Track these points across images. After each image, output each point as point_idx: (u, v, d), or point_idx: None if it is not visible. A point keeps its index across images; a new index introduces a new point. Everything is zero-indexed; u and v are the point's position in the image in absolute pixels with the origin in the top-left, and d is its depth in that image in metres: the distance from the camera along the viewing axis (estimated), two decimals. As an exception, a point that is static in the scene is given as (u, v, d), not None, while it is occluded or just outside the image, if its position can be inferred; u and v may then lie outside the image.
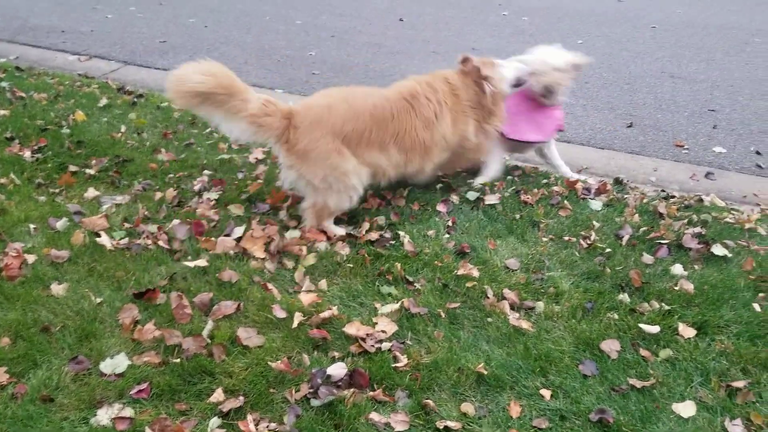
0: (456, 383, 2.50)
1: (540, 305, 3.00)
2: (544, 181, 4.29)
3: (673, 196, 4.24)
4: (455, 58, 3.99)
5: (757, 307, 3.03)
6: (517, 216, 3.76)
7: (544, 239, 3.56)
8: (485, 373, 2.53)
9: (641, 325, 2.84)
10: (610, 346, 2.74)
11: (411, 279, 3.10)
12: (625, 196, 4.12)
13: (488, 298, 2.99)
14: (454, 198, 3.93)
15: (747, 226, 3.78)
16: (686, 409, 2.44)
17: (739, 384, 2.54)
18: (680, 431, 2.35)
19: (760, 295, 3.13)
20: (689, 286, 3.15)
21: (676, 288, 3.14)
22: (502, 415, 2.36)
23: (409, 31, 8.89)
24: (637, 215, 3.84)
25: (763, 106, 6.32)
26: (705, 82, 6.94)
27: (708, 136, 5.54)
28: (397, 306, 2.87)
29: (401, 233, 3.51)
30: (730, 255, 3.43)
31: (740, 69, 7.42)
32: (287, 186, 3.60)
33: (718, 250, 3.43)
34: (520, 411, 2.38)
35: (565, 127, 5.57)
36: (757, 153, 5.27)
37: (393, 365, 2.55)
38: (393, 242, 3.43)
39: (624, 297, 3.06)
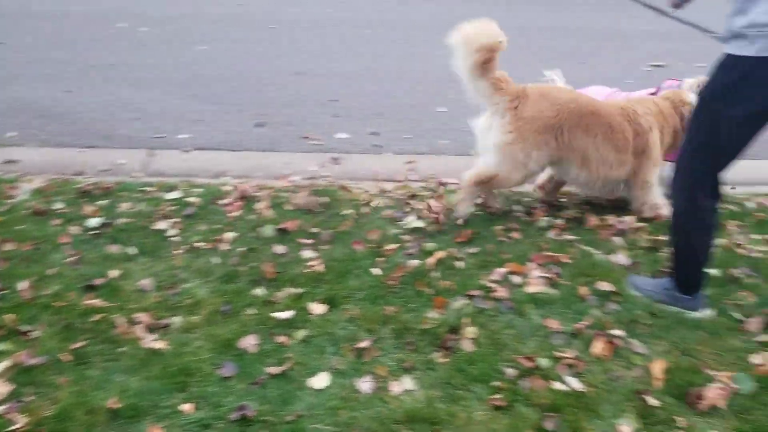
0: (89, 426, 2.32)
1: (176, 320, 2.94)
2: (171, 195, 4.21)
3: (301, 186, 4.50)
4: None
5: (376, 271, 3.37)
6: (147, 234, 3.65)
7: (178, 252, 3.50)
8: (119, 406, 2.39)
9: (275, 314, 2.96)
10: (249, 342, 2.80)
11: (26, 328, 2.80)
12: (257, 193, 4.25)
13: (117, 327, 2.84)
14: (75, 229, 3.66)
15: (368, 201, 4.21)
16: (320, 380, 2.60)
17: (365, 344, 2.80)
18: (317, 402, 2.50)
19: (378, 259, 3.49)
20: (321, 267, 3.38)
21: (308, 270, 3.35)
22: (141, 444, 2.27)
23: None
24: (269, 210, 4.00)
25: (376, 91, 7.08)
26: (326, 74, 7.52)
27: (331, 125, 6.01)
28: (9, 363, 2.56)
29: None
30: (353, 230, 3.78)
31: (354, 60, 8.20)
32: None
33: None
34: (160, 434, 2.31)
35: (198, 132, 5.59)
36: (374, 134, 5.88)
37: (9, 429, 2.27)
38: (3, 291, 3.07)
39: (259, 291, 3.16)
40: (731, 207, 4.24)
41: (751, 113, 2.61)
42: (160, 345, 2.75)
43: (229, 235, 3.68)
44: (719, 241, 3.74)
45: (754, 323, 2.95)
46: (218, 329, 2.89)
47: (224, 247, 3.57)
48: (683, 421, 2.42)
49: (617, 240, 3.80)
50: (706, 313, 3.05)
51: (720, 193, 2.88)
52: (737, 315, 3.06)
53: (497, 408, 2.48)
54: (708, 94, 2.73)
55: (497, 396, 2.53)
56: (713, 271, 3.40)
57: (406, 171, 5.08)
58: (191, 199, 4.12)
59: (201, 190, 4.29)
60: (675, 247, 3.03)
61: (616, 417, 2.44)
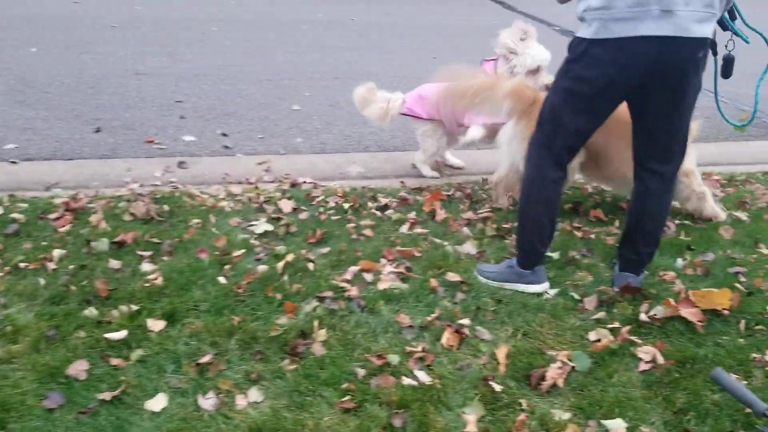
0: None
1: (-7, 349, 2.65)
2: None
3: (141, 194, 4.23)
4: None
5: (222, 279, 3.21)
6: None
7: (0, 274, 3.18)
8: None
9: (108, 335, 2.74)
10: (78, 368, 2.57)
11: None
12: (90, 205, 3.95)
13: None
14: None
15: (216, 204, 4.03)
16: (158, 402, 2.43)
17: (207, 358, 2.65)
18: (154, 426, 2.32)
19: (225, 267, 3.33)
20: (159, 280, 3.17)
21: (147, 285, 3.14)
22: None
23: None
24: (104, 222, 3.72)
25: (225, 90, 6.84)
26: (170, 75, 7.17)
27: (177, 127, 5.73)
28: None
29: None
30: (197, 238, 3.59)
31: (201, 58, 7.90)
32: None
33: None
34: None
35: (26, 142, 5.13)
36: (224, 135, 5.67)
37: None
38: None
39: (90, 311, 2.91)
40: (568, 192, 4.46)
41: (587, 92, 2.79)
42: (-28, 385, 2.46)
43: (58, 252, 3.38)
44: (560, 224, 3.92)
45: (590, 302, 3.10)
46: (43, 357, 2.63)
47: (52, 266, 3.27)
48: (526, 403, 2.48)
49: (466, 230, 3.88)
50: (545, 287, 3.20)
51: (565, 169, 3.03)
52: (575, 295, 3.19)
53: (346, 411, 2.42)
54: (557, 73, 2.93)
55: (346, 398, 2.47)
56: (555, 254, 3.55)
57: (259, 172, 4.94)
58: (14, 215, 3.75)
59: (26, 205, 3.92)
60: (519, 217, 3.18)
61: (462, 406, 2.46)
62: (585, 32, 2.73)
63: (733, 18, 2.92)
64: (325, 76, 7.66)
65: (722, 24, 2.90)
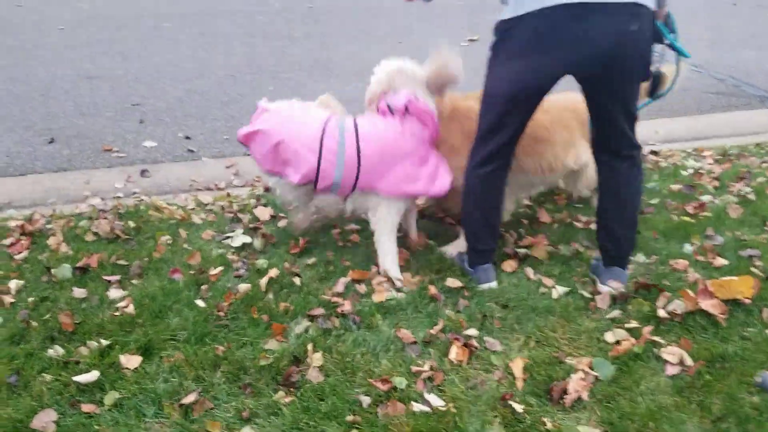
0: None
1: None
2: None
3: (103, 210, 3.88)
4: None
5: (200, 303, 2.92)
6: None
7: (-53, 315, 2.83)
8: None
9: (77, 378, 2.42)
10: (45, 419, 2.26)
11: None
12: (48, 226, 3.60)
13: None
14: None
15: (185, 216, 3.71)
16: (138, 456, 2.14)
17: (192, 397, 2.36)
18: (139, 486, 2.03)
19: (203, 288, 3.04)
20: (130, 308, 2.86)
21: (117, 314, 2.83)
22: None
23: None
24: (64, 244, 3.38)
25: (185, 89, 6.47)
26: (125, 76, 6.77)
27: (136, 132, 5.37)
28: None
29: None
30: (168, 256, 3.28)
31: (157, 56, 7.49)
32: None
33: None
34: None
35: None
36: (187, 138, 5.32)
37: None
38: None
39: (55, 350, 2.59)
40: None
41: (515, 75, 2.61)
42: None
43: (15, 283, 3.04)
44: (559, 216, 3.70)
45: (602, 300, 2.88)
46: (4, 408, 2.31)
47: (9, 299, 2.94)
48: (550, 422, 2.25)
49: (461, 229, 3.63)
50: (492, 285, 3.04)
51: (504, 162, 2.86)
52: (585, 293, 2.98)
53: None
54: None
55: (357, 435, 2.21)
56: (561, 248, 3.33)
57: (228, 176, 4.63)
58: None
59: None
60: (462, 214, 3.05)
61: (482, 431, 2.21)
62: (506, 14, 2.57)
63: (671, 31, 2.66)
64: (288, 68, 7.32)
65: (657, 36, 2.63)
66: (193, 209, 3.88)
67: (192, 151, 5.09)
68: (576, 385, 2.36)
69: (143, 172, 4.65)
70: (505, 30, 2.60)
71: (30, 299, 2.94)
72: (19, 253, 3.32)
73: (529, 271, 3.12)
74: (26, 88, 6.27)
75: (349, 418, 2.27)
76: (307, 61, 7.60)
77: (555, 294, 2.96)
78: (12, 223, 3.63)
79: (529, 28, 2.50)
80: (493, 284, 3.03)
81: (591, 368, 2.46)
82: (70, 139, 5.16)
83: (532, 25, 2.48)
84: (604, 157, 2.83)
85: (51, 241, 3.40)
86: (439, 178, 3.08)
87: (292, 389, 2.43)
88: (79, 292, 2.97)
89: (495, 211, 2.96)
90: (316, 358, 2.56)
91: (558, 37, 2.45)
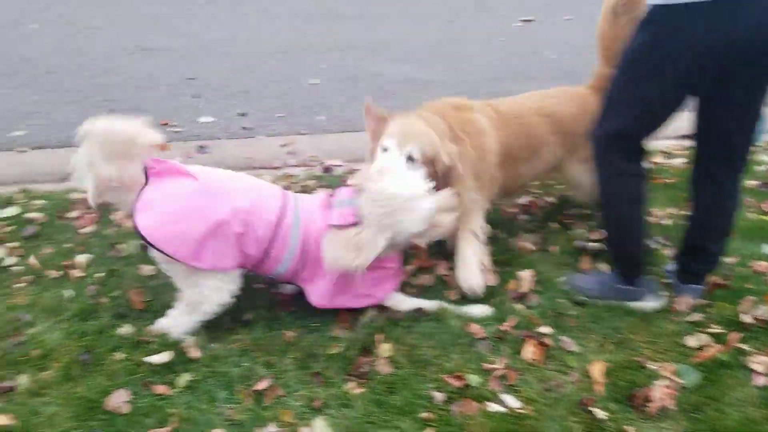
0: None
1: (23, 380, 2.33)
2: (5, 212, 3.48)
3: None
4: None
5: (262, 285, 2.88)
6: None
7: (19, 285, 2.85)
8: None
9: (148, 358, 2.41)
10: (119, 400, 2.25)
11: None
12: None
13: (-59, 401, 2.20)
14: None
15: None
16: (212, 438, 2.12)
17: (264, 384, 2.33)
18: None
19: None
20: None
21: (185, 293, 2.81)
22: None
23: None
24: (128, 220, 3.38)
25: (238, 65, 6.45)
26: (178, 51, 6.77)
27: (192, 108, 5.37)
28: None
29: None
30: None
31: (211, 33, 7.47)
32: None
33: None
34: None
35: (34, 128, 4.78)
36: (242, 115, 5.30)
37: None
38: None
39: (126, 328, 2.58)
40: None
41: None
42: (2, 420, 2.14)
43: (83, 257, 3.05)
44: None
45: (682, 302, 2.76)
46: (78, 387, 2.31)
47: (77, 273, 2.95)
48: (633, 430, 2.16)
49: (523, 218, 3.54)
50: (652, 304, 2.75)
51: (644, 158, 2.61)
52: (664, 293, 2.86)
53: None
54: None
55: (428, 431, 2.15)
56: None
57: (283, 155, 4.59)
58: (32, 215, 3.42)
59: (43, 202, 3.58)
60: (605, 225, 2.75)
61: (563, 437, 2.14)
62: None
63: None
64: (339, 47, 7.24)
65: None
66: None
67: (247, 128, 5.06)
68: (660, 393, 2.27)
69: (201, 149, 4.64)
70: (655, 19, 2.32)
71: (97, 275, 2.94)
72: (85, 227, 3.33)
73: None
74: (85, 61, 6.31)
75: (423, 414, 2.22)
76: (358, 41, 7.51)
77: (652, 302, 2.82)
78: (75, 195, 3.64)
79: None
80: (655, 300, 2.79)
81: (676, 375, 2.36)
82: (128, 113, 5.13)
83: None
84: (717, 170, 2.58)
85: (116, 216, 3.40)
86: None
87: (362, 380, 2.38)
88: (146, 269, 2.97)
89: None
90: (386, 349, 2.51)
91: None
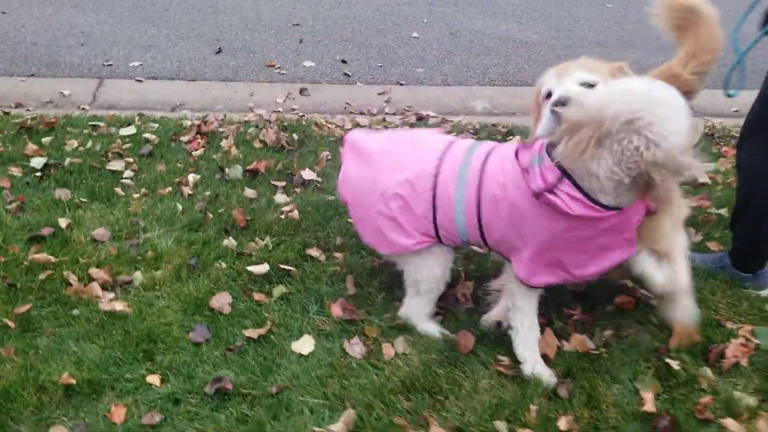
0: (39, 407, 2.00)
1: (138, 276, 2.60)
2: (124, 131, 3.78)
3: (269, 121, 4.09)
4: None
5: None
6: (99, 176, 3.26)
7: (135, 197, 3.12)
8: (74, 382, 2.07)
9: (249, 268, 2.63)
10: (221, 301, 2.48)
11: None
12: (220, 129, 3.85)
13: (71, 285, 2.48)
14: (16, 171, 3.23)
15: (341, 134, 3.85)
16: (305, 345, 2.31)
17: (351, 303, 2.51)
18: (303, 369, 2.21)
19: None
20: (295, 213, 3.04)
21: (283, 218, 3.01)
22: (102, 425, 1.95)
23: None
24: (234, 148, 3.61)
25: (341, 14, 6.58)
26: (285, -4, 6.97)
27: (297, 52, 5.56)
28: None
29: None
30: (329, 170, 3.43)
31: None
32: None
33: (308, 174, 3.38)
34: (125, 412, 1.99)
35: (150, 60, 5.10)
36: (343, 62, 5.45)
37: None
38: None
39: (230, 241, 2.82)
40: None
41: None
42: (120, 306, 2.41)
43: (193, 177, 3.30)
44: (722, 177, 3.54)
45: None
46: (186, 286, 2.55)
47: (188, 190, 3.20)
48: (705, 381, 2.21)
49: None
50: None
51: None
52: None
53: (502, 374, 2.22)
54: None
55: (502, 360, 2.27)
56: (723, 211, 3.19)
57: (380, 103, 4.72)
58: (148, 136, 3.70)
59: (156, 125, 3.86)
60: (739, 214, 2.69)
61: (634, 380, 2.21)
62: None
63: None
64: (443, 2, 7.26)
65: None
66: (350, 129, 4.00)
67: (347, 75, 5.21)
68: (735, 350, 2.29)
69: (302, 91, 4.83)
70: None
71: (206, 193, 3.18)
72: (195, 150, 3.58)
73: (691, 231, 3.00)
74: (196, 1, 6.60)
75: (499, 348, 2.33)
76: (462, -3, 7.51)
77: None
78: (187, 123, 3.90)
79: None
80: None
81: (752, 335, 2.38)
82: (237, 52, 5.42)
83: None
84: None
85: (224, 143, 3.64)
86: None
87: (443, 310, 2.51)
88: (249, 192, 3.19)
89: None
90: (468, 286, 2.62)
91: None
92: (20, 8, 6.05)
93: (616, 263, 2.15)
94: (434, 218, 2.25)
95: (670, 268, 2.27)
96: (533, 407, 2.06)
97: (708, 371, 2.24)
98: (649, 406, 2.07)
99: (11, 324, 2.29)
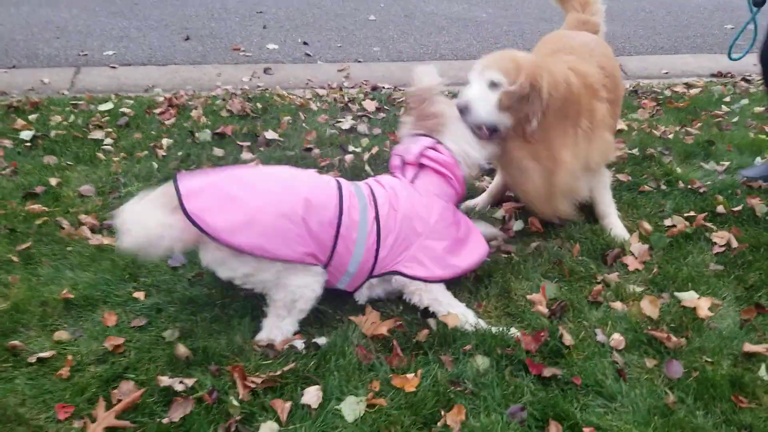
0: (43, 317, 2.39)
1: (122, 218, 2.99)
2: (103, 107, 4.16)
3: (235, 93, 4.49)
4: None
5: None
6: (82, 144, 3.64)
7: (116, 159, 3.52)
8: (72, 296, 2.47)
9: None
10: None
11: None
12: (190, 102, 4.24)
13: (63, 228, 2.88)
14: (7, 143, 3.61)
15: (304, 103, 4.28)
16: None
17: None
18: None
19: (319, 161, 3.57)
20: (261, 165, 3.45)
21: (248, 170, 3.42)
22: (98, 328, 2.35)
23: None
24: (203, 117, 4.01)
25: (303, 1, 6.99)
26: (250, -13, 7.36)
27: (260, 36, 5.95)
28: (-47, 264, 2.59)
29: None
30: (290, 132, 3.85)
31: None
32: None
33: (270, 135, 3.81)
34: (116, 319, 2.39)
35: (123, 49, 5.45)
36: (305, 44, 5.86)
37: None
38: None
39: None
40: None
41: None
42: (107, 241, 2.81)
43: (166, 141, 3.69)
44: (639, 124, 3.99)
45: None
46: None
47: (162, 152, 3.59)
48: (600, 277, 2.65)
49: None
50: None
51: None
52: (652, 185, 3.31)
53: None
54: None
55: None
56: (635, 150, 3.65)
57: (340, 78, 5.13)
58: (124, 110, 4.09)
59: (132, 101, 4.25)
60: None
61: (542, 279, 2.64)
62: None
63: None
64: (399, -13, 7.71)
65: None
66: (310, 98, 4.42)
67: (309, 55, 5.61)
68: (635, 251, 2.76)
69: (266, 70, 5.23)
70: None
71: (179, 153, 3.58)
72: (168, 119, 3.98)
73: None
74: (166, -6, 6.98)
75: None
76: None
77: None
78: (160, 98, 4.30)
79: None
80: None
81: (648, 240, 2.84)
82: (204, 38, 5.81)
83: None
84: None
85: (193, 113, 4.04)
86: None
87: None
88: (218, 151, 3.59)
89: None
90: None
91: None
92: (-3, 7, 6.39)
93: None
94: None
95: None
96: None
97: (604, 270, 2.70)
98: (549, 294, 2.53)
99: (15, 258, 2.68)
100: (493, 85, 2.54)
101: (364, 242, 2.32)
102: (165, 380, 2.08)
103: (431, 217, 2.42)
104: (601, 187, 2.97)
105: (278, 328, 2.30)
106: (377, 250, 2.35)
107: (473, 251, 2.49)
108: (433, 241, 2.41)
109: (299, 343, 2.27)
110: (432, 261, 2.39)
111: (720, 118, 4.17)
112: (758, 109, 4.25)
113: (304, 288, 2.27)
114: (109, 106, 4.13)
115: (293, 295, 2.26)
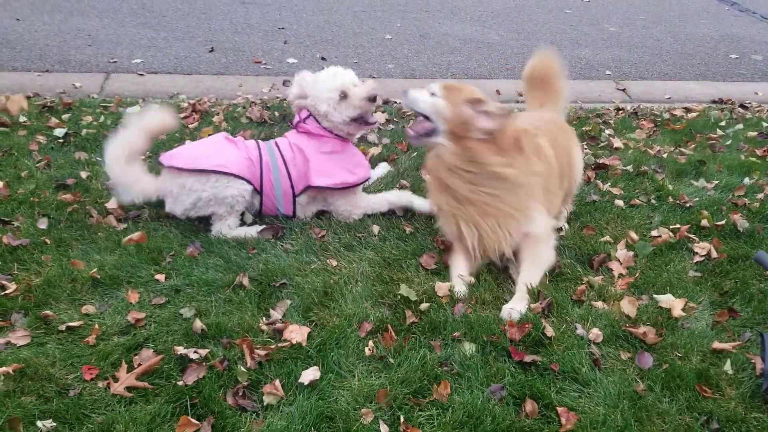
0: (73, 292, 2.63)
1: (146, 212, 3.24)
2: (131, 110, 4.43)
3: (254, 102, 4.76)
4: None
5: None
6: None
7: (141, 157, 3.77)
8: (99, 276, 2.70)
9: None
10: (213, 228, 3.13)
11: (7, 219, 3.06)
12: (212, 109, 4.51)
13: (92, 217, 3.13)
14: (42, 139, 3.89)
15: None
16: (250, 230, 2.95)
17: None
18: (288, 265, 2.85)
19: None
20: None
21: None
22: (122, 304, 2.58)
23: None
24: (224, 122, 4.27)
25: (323, 20, 7.28)
26: (273, 4, 7.67)
27: (281, 51, 6.24)
28: (-12, 245, 2.85)
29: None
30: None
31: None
32: None
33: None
34: (138, 297, 2.63)
35: (151, 58, 5.75)
36: (323, 59, 6.13)
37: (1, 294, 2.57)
38: (-19, 189, 3.31)
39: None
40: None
41: None
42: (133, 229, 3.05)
43: (189, 143, 3.94)
44: (635, 143, 4.20)
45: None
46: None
47: (185, 153, 3.84)
48: (585, 279, 2.85)
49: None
50: None
51: None
52: (642, 200, 3.51)
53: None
54: None
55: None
56: (629, 167, 3.86)
57: (354, 92, 5.38)
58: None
59: (158, 106, 4.51)
60: None
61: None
62: None
63: None
64: (416, 9, 7.99)
65: None
66: (325, 110, 4.67)
67: (326, 69, 5.88)
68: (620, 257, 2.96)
69: (285, 82, 5.49)
70: None
71: (200, 155, 3.83)
72: (191, 124, 4.24)
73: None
74: (190, 7, 7.30)
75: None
76: (434, 4, 8.22)
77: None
78: (184, 104, 4.57)
79: None
80: None
81: (633, 248, 3.04)
82: (227, 51, 6.11)
83: None
84: None
85: (215, 119, 4.30)
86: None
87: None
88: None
89: None
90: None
91: None
92: (32, 15, 6.72)
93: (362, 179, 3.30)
94: None
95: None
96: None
97: (590, 273, 2.91)
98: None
99: (48, 240, 2.93)
100: (433, 95, 2.91)
101: (279, 172, 3.22)
102: (181, 350, 2.31)
103: (320, 150, 3.26)
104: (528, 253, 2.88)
105: (226, 226, 3.13)
106: (289, 175, 3.23)
107: (363, 170, 3.33)
108: (327, 164, 3.23)
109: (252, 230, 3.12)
110: (332, 176, 3.21)
111: (714, 141, 4.37)
112: (751, 133, 4.46)
113: (237, 196, 3.10)
114: (136, 109, 4.40)
115: (232, 200, 3.09)
